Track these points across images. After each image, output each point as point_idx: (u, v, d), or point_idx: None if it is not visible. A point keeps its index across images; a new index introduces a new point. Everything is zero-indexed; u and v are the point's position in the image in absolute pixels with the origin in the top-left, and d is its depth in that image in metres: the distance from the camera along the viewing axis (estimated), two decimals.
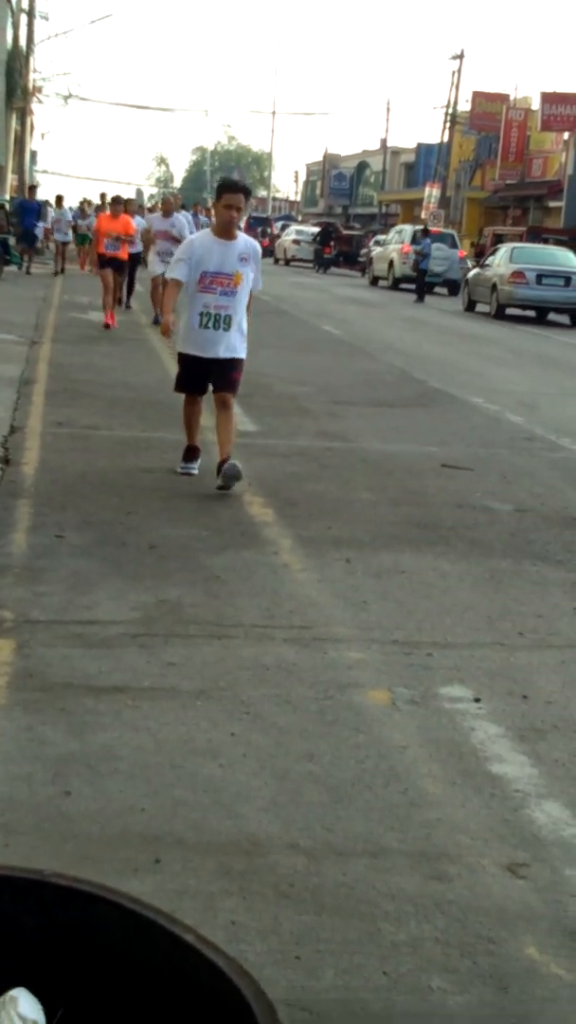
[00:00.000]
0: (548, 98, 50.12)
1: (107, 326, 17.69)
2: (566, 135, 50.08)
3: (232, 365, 8.06)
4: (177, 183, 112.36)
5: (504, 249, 30.20)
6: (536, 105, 52.32)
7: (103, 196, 31.50)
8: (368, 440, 10.34)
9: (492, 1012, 2.85)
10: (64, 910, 1.24)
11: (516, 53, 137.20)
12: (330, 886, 3.27)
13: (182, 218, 19.38)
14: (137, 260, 21.18)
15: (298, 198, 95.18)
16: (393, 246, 39.23)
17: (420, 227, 38.86)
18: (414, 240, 36.62)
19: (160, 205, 20.78)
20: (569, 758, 4.22)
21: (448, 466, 9.30)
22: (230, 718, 4.32)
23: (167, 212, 19.01)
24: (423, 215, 57.23)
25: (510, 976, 2.96)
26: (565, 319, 28.82)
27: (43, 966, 1.21)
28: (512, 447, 10.48)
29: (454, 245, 37.45)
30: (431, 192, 59.42)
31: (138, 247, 20.61)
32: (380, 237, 47.02)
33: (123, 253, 18.43)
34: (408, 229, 39.86)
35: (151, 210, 24.53)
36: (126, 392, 11.88)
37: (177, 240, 17.48)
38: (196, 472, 8.23)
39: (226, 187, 8.03)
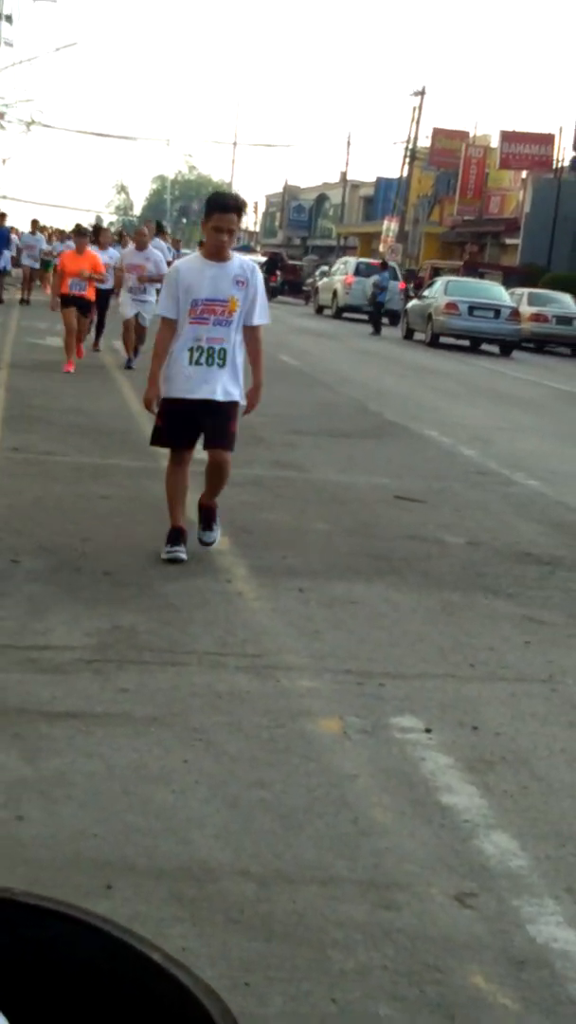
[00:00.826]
0: (507, 137, 50.86)
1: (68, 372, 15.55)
2: (524, 173, 50.74)
3: (227, 412, 6.82)
4: (137, 211, 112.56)
5: (440, 282, 32.59)
6: (495, 143, 53.08)
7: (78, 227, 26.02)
8: (323, 470, 10.40)
9: None
10: (31, 928, 1.26)
11: (477, 91, 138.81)
12: (280, 913, 3.29)
13: (158, 252, 17.21)
14: (108, 298, 18.74)
15: (257, 229, 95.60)
16: (338, 277, 40.84)
17: (363, 260, 40.93)
18: (359, 272, 37.82)
19: (134, 237, 18.03)
20: (517, 789, 4.27)
21: (402, 498, 9.37)
22: (183, 745, 4.33)
23: (141, 244, 16.74)
24: (381, 248, 57.81)
25: (457, 1005, 2.99)
26: (495, 348, 30.57)
27: (9, 984, 1.23)
28: (465, 480, 10.58)
29: (395, 277, 38.68)
30: (389, 226, 59.99)
31: (108, 284, 18.11)
32: (324, 268, 49.04)
33: (90, 292, 16.21)
34: (352, 261, 41.65)
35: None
36: (83, 418, 11.88)
37: (153, 279, 16.09)
38: (184, 557, 6.77)
39: (215, 205, 6.70)
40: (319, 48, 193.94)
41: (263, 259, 52.99)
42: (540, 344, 33.33)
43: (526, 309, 32.36)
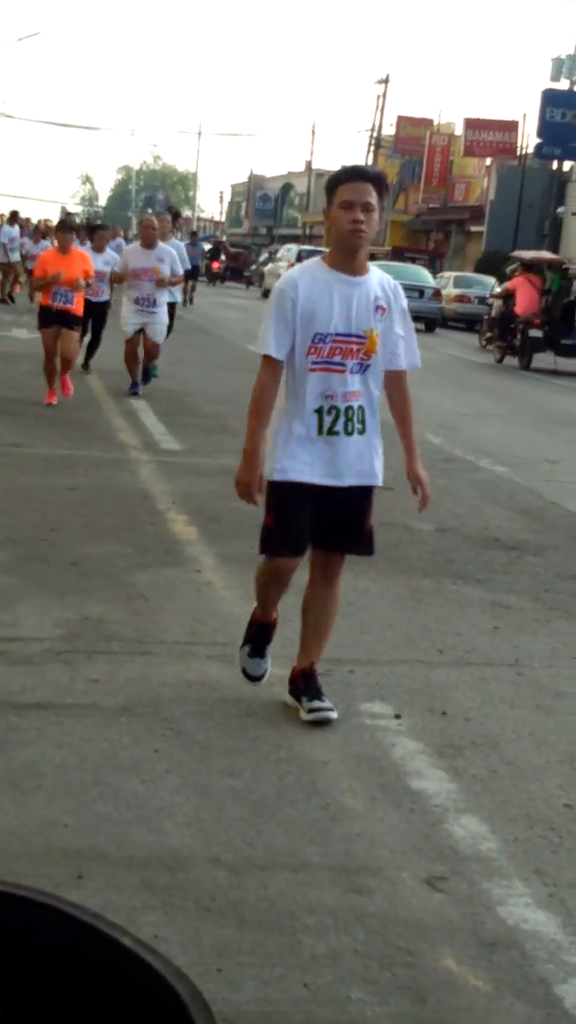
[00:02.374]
0: (471, 124, 50.90)
1: (49, 404, 12.05)
2: (488, 161, 50.83)
3: (363, 501, 4.68)
4: (102, 202, 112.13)
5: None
6: (459, 130, 53.09)
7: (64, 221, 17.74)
8: None
9: (410, 1023, 2.90)
10: (2, 915, 1.27)
11: (441, 79, 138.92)
12: (251, 900, 3.30)
13: (172, 250, 13.69)
14: (105, 312, 15.17)
15: (223, 218, 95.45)
16: (282, 263, 42.79)
17: (304, 248, 43.99)
18: (300, 259, 39.47)
19: (140, 230, 14.37)
20: (486, 773, 4.30)
21: None
22: (153, 734, 4.34)
23: (149, 241, 13.15)
24: None
25: (428, 987, 3.01)
26: (422, 326, 32.90)
27: None
28: (432, 467, 10.53)
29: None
30: None
31: (105, 294, 14.96)
32: (267, 255, 52.52)
33: (77, 305, 12.27)
34: (295, 248, 43.47)
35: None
36: (51, 410, 11.83)
37: (164, 282, 13.21)
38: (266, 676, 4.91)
39: (346, 175, 4.46)
40: (283, 37, 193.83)
41: (208, 246, 54.12)
42: (469, 324, 35.05)
43: (452, 291, 35.88)
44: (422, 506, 4.86)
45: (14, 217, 28.04)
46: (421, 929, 3.26)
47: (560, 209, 45.06)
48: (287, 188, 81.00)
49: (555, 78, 45.19)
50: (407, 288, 27.76)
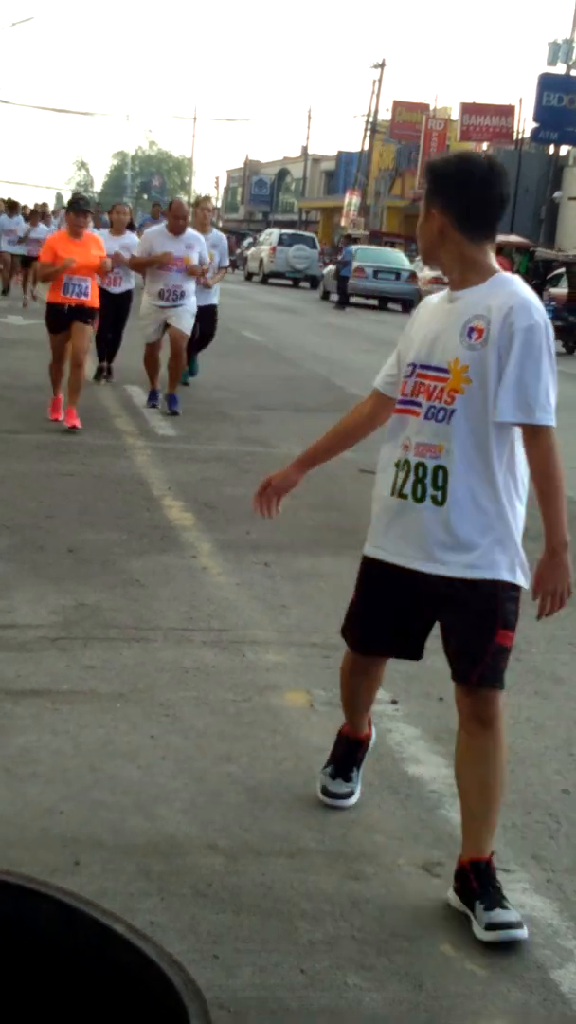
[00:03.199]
0: (468, 108, 50.75)
1: (57, 419, 10.31)
2: (485, 146, 50.65)
3: (477, 602, 3.30)
4: (97, 187, 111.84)
5: (350, 250, 37.08)
6: (456, 115, 52.93)
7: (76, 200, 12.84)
8: (288, 445, 10.36)
9: (407, 1008, 2.89)
10: None
11: (437, 63, 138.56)
12: (248, 886, 3.30)
13: (199, 236, 11.82)
14: (127, 305, 13.13)
15: (219, 204, 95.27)
16: (264, 247, 45.27)
17: (285, 232, 45.74)
18: (282, 242, 43.25)
19: (168, 214, 12.12)
20: None
21: (366, 471, 9.35)
22: (149, 721, 4.33)
23: (178, 226, 11.40)
24: (343, 222, 57.78)
25: (425, 973, 3.01)
26: (398, 307, 35.30)
27: None
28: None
29: (314, 247, 44.51)
30: (351, 200, 59.87)
31: (126, 283, 13.08)
32: (251, 239, 54.77)
33: (93, 297, 10.33)
34: (276, 233, 45.79)
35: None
36: (46, 396, 11.80)
37: (196, 272, 11.51)
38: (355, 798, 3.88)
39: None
40: (279, 21, 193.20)
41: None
42: None
43: (427, 273, 36.80)
44: (548, 608, 3.29)
45: (13, 208, 26.05)
46: (418, 915, 3.25)
47: (557, 194, 45.00)
48: (283, 174, 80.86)
49: (552, 63, 45.04)
50: (384, 271, 28.81)
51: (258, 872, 3.38)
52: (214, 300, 13.26)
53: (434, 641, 5.43)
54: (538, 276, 26.39)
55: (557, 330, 24.75)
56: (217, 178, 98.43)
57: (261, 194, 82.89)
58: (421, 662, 5.22)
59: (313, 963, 2.99)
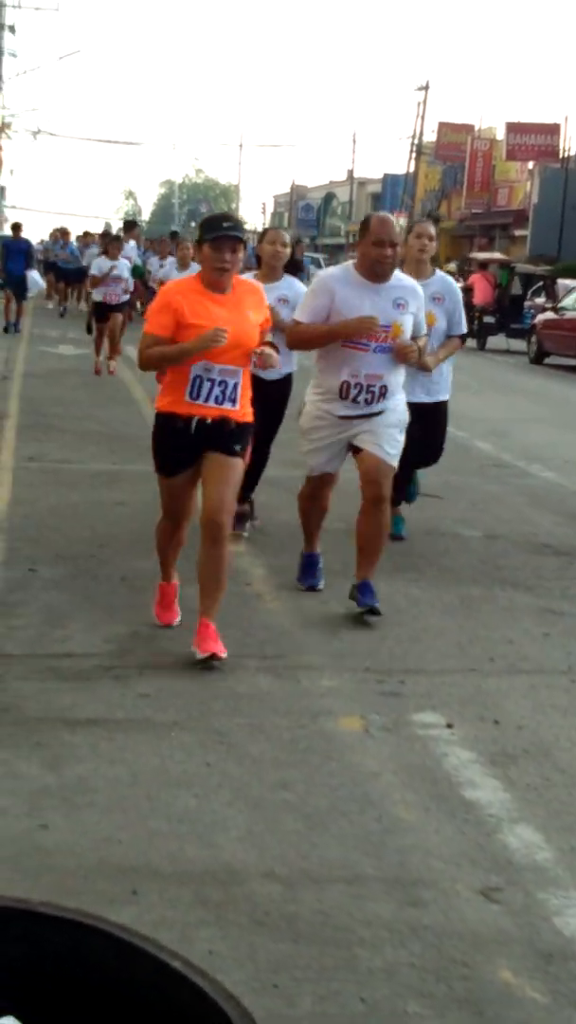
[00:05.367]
0: (513, 128, 50.66)
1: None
2: (531, 164, 50.60)
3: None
4: (145, 216, 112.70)
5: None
6: (501, 135, 52.87)
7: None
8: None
9: None
10: (52, 938, 1.27)
11: (481, 84, 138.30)
12: (306, 914, 3.29)
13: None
14: (284, 397, 8.18)
15: None
16: None
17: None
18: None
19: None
20: (540, 782, 4.26)
21: (430, 495, 9.35)
22: (204, 748, 4.34)
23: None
24: None
25: (485, 1000, 2.98)
26: None
27: (31, 993, 1.24)
28: (482, 474, 10.56)
29: (319, 267, 44.03)
30: (397, 221, 59.93)
31: (285, 364, 7.49)
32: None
33: (242, 406, 5.44)
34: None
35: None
36: (96, 425, 11.90)
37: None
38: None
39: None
40: (322, 46, 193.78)
41: None
42: None
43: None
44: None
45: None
46: (477, 941, 3.23)
47: None
48: (329, 198, 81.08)
49: None
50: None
51: (316, 899, 3.37)
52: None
53: (487, 663, 5.44)
54: (521, 289, 29.46)
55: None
56: (264, 204, 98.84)
57: (308, 218, 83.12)
58: (476, 686, 5.21)
59: (372, 991, 2.98)
